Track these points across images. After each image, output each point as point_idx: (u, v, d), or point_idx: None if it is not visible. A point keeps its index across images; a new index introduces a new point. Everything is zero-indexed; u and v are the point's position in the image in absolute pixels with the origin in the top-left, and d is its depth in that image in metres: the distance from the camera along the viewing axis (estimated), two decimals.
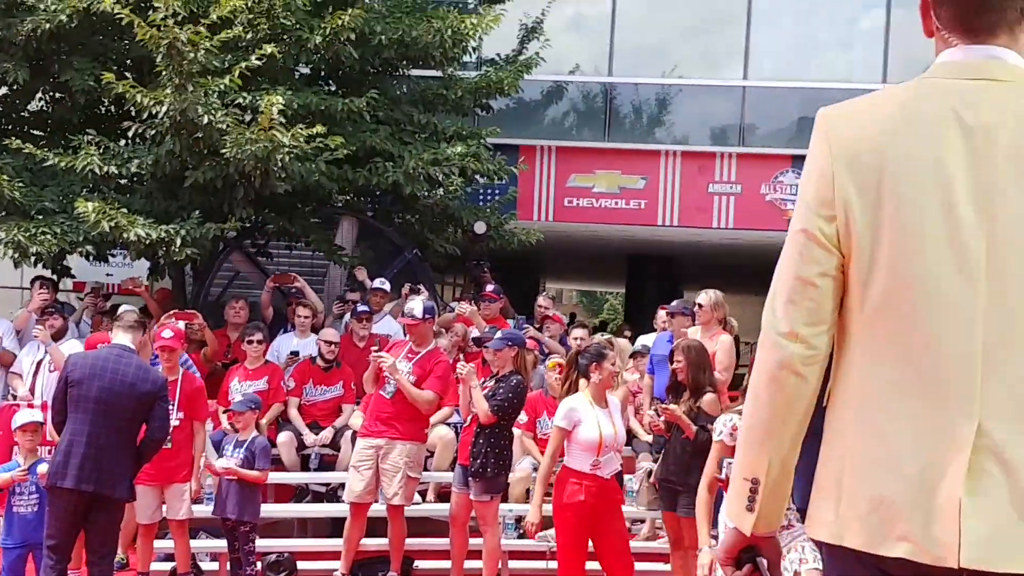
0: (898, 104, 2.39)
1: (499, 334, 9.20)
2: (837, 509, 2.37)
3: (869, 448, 2.35)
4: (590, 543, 7.65)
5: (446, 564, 9.30)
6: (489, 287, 12.16)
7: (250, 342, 10.25)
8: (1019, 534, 2.20)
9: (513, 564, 9.29)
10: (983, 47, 2.38)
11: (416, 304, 9.16)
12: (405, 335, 9.54)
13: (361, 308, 11.06)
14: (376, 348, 9.12)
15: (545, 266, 28.22)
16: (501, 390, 8.39)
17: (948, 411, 2.27)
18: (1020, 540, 2.20)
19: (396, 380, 8.73)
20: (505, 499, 9.50)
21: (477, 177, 13.83)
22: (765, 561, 2.52)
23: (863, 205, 2.33)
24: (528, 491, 9.65)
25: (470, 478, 8.46)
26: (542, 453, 9.57)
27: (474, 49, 14.50)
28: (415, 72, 14.37)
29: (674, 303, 10.94)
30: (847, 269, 2.38)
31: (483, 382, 8.60)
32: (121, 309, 9.99)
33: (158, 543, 8.61)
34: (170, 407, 8.04)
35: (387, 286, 11.88)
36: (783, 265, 2.44)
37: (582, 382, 7.79)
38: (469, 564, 8.85)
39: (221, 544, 8.67)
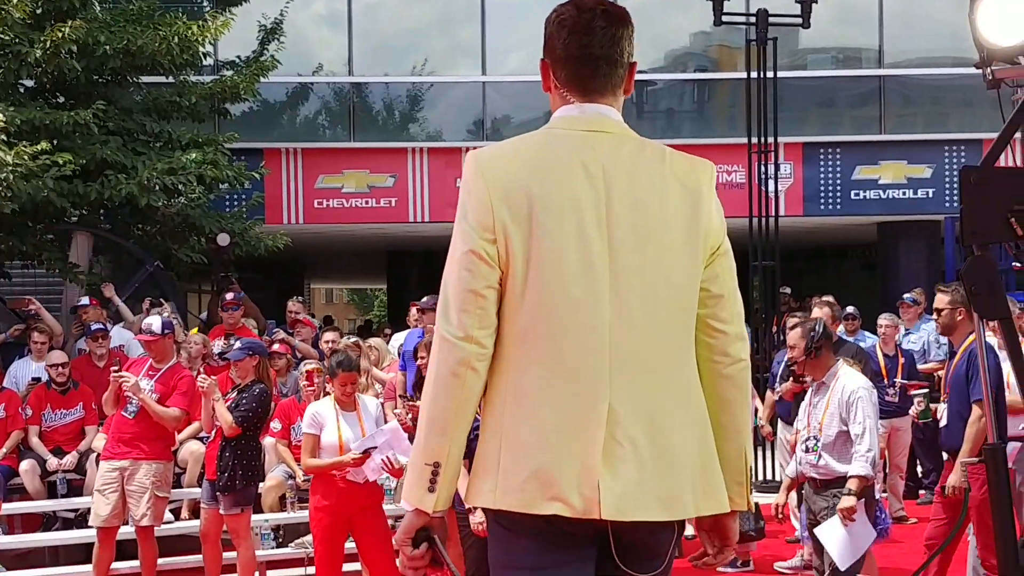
0: (536, 149, 2.87)
1: (238, 344, 9.12)
2: (496, 481, 2.77)
3: (523, 430, 2.77)
4: (350, 545, 7.69)
5: None
6: (229, 295, 12.01)
7: None
8: (643, 491, 2.74)
9: (272, 573, 9.22)
10: (594, 105, 2.91)
11: (154, 320, 8.98)
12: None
13: (96, 327, 10.76)
14: (116, 368, 8.90)
15: (306, 267, 28.05)
16: (244, 400, 8.32)
17: (585, 397, 2.75)
18: (643, 496, 2.74)
19: (140, 399, 8.55)
20: (259, 509, 9.44)
21: (218, 184, 13.61)
22: (436, 538, 2.86)
23: (517, 230, 2.77)
24: (282, 498, 9.61)
25: (218, 492, 8.35)
26: (297, 460, 9.57)
27: (206, 55, 14.28)
28: (146, 79, 14.04)
29: (424, 299, 11.07)
30: (505, 282, 2.80)
31: (227, 394, 8.51)
32: None
33: None
34: None
35: (84, 300, 11.54)
36: (453, 280, 2.81)
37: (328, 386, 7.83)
38: None
39: None
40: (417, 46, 18.72)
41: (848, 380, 6.55)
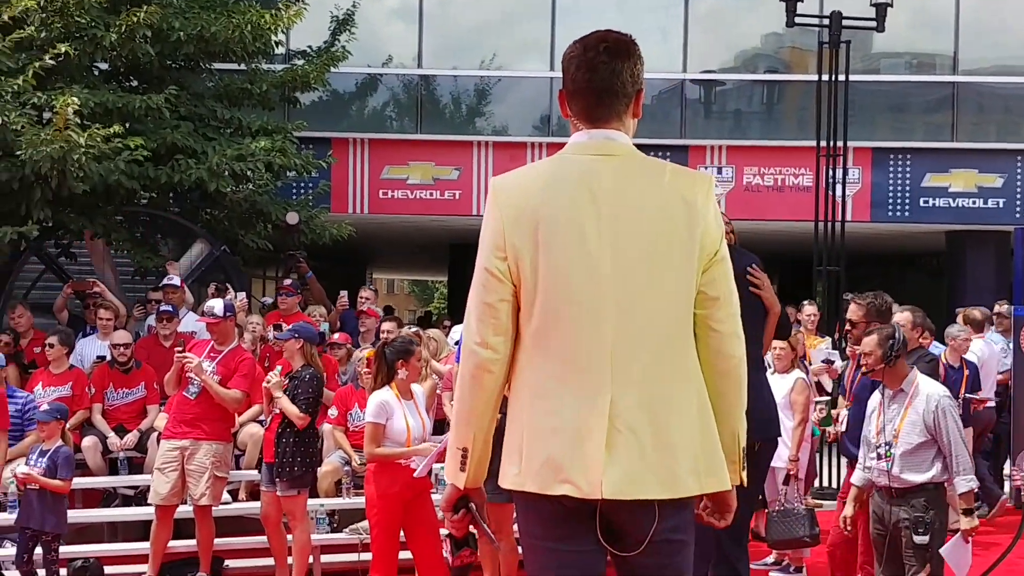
0: (546, 175, 3.28)
1: (287, 327, 9.21)
2: (519, 466, 3.22)
3: (539, 421, 3.20)
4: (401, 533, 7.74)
5: (257, 562, 9.29)
6: (286, 281, 12.14)
7: (46, 346, 10.04)
8: (641, 474, 3.13)
9: (325, 558, 9.31)
10: (601, 131, 3.30)
11: (216, 303, 9.11)
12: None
13: (164, 308, 10.91)
14: (180, 348, 9.03)
15: (369, 258, 28.21)
16: (300, 388, 8.40)
17: (591, 391, 3.16)
18: (642, 478, 3.13)
19: (202, 380, 8.66)
20: (315, 494, 9.53)
21: (286, 172, 13.74)
22: (474, 505, 3.39)
23: (526, 249, 3.19)
24: (337, 483, 9.69)
25: (276, 475, 8.45)
26: (353, 446, 9.65)
27: (278, 44, 14.42)
28: (218, 66, 14.21)
29: None
30: (519, 295, 3.23)
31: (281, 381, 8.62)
32: None
33: None
34: None
35: (175, 281, 11.71)
36: (473, 293, 3.27)
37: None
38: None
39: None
40: (486, 41, 18.79)
41: (930, 389, 6.49)
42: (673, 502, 3.19)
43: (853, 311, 7.12)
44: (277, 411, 8.44)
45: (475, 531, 3.69)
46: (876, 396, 6.73)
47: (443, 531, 5.17)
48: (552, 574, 3.27)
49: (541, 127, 18.30)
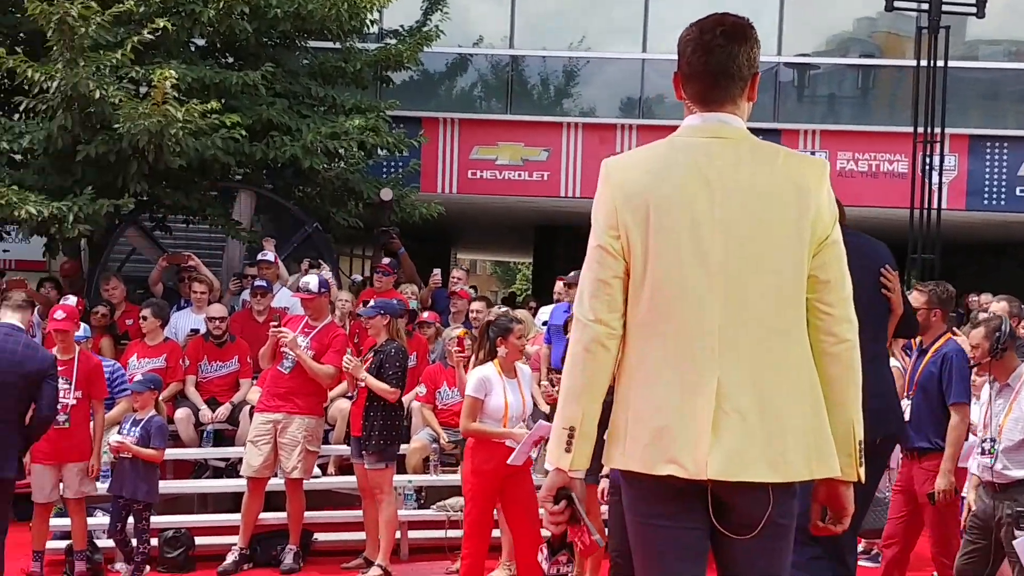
0: (659, 157, 3.27)
1: (371, 303, 9.25)
2: (624, 446, 3.21)
3: (645, 402, 3.19)
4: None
5: (346, 536, 9.38)
6: (385, 260, 12.20)
7: (140, 318, 10.20)
8: (749, 456, 3.10)
9: (413, 534, 9.37)
10: (714, 114, 3.28)
11: (311, 278, 9.18)
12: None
13: (258, 283, 11.02)
14: (275, 324, 9.12)
15: (455, 237, 28.28)
16: (387, 363, 8.44)
17: (699, 372, 3.14)
18: (750, 460, 3.10)
19: (296, 355, 8.74)
20: (402, 470, 9.59)
21: (377, 150, 13.79)
22: (575, 497, 3.28)
23: (637, 229, 3.18)
24: (425, 460, 9.73)
25: (363, 449, 8.52)
26: (441, 424, 9.69)
27: (372, 22, 14.46)
28: (313, 44, 14.30)
29: (571, 274, 11.08)
30: (630, 272, 3.22)
31: (365, 356, 8.68)
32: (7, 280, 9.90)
33: (53, 521, 8.55)
34: (66, 386, 8.01)
35: (270, 256, 11.81)
36: (587, 270, 3.27)
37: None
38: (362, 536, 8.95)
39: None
40: (577, 21, 18.67)
41: None
42: (781, 485, 3.16)
43: (915, 298, 6.99)
44: (363, 385, 8.50)
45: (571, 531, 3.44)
46: (986, 389, 6.62)
47: (543, 532, 5.11)
48: (658, 551, 3.25)
49: (631, 109, 18.18)
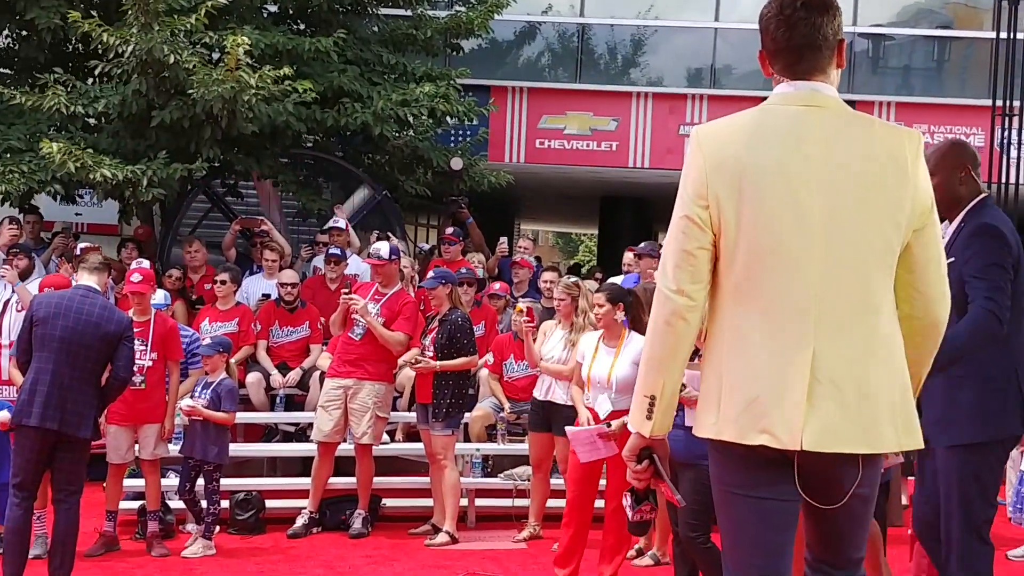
0: (753, 124, 3.24)
1: (431, 273, 9.27)
2: (717, 414, 3.19)
3: (739, 370, 3.17)
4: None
5: (414, 502, 9.43)
6: (449, 230, 12.20)
7: (216, 283, 10.27)
8: (840, 428, 3.09)
9: (480, 502, 9.39)
10: (805, 83, 3.25)
11: (382, 245, 9.20)
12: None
13: (333, 251, 11.05)
14: (347, 290, 9.15)
15: (519, 208, 28.21)
16: (459, 333, 8.49)
17: (794, 341, 3.12)
18: (841, 432, 3.09)
19: (367, 322, 8.77)
20: (466, 438, 9.61)
21: (447, 118, 13.75)
22: (657, 456, 3.38)
23: (729, 197, 3.15)
24: (489, 429, 9.74)
25: (432, 416, 8.54)
26: (507, 396, 9.69)
27: None
28: (384, 11, 14.29)
29: (642, 245, 11.00)
30: (718, 243, 3.19)
31: (429, 325, 8.73)
32: (83, 247, 10.04)
33: (126, 482, 8.66)
34: (142, 348, 8.11)
35: (341, 224, 11.82)
36: (671, 240, 3.23)
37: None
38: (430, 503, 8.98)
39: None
40: None
41: None
42: (871, 457, 3.19)
43: None
44: (431, 352, 8.53)
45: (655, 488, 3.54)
46: None
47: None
48: (748, 520, 3.24)
49: (701, 79, 18.00)
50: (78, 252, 10.64)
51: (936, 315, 3.32)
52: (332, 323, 9.14)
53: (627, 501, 3.76)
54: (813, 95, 3.22)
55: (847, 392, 3.10)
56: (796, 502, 3.23)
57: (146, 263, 9.27)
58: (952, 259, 4.35)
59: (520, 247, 12.85)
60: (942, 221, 3.98)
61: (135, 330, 7.47)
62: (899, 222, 3.18)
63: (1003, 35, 12.99)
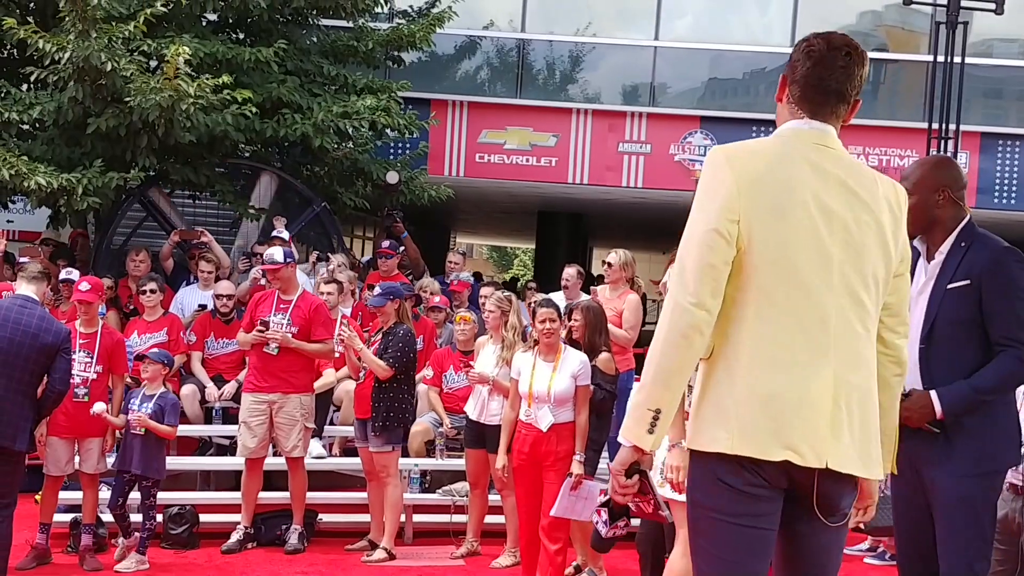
0: (776, 149, 3.34)
1: (376, 290, 9.19)
2: (730, 430, 3.20)
3: (759, 387, 3.20)
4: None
5: (351, 518, 9.34)
6: (385, 243, 12.14)
7: (143, 292, 10.13)
8: (851, 450, 3.22)
9: (418, 518, 9.34)
10: (818, 123, 3.38)
11: (275, 250, 9.05)
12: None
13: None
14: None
15: (455, 221, 28.23)
16: (391, 343, 8.42)
17: (817, 361, 3.22)
18: (852, 453, 3.23)
19: (295, 347, 8.67)
20: (406, 453, 9.56)
21: (387, 131, 13.72)
22: (647, 471, 3.44)
23: (757, 217, 3.22)
24: (428, 444, 9.69)
25: (370, 431, 8.49)
26: (447, 408, 9.65)
27: (385, 1, 14.39)
28: (326, 22, 14.23)
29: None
30: (741, 258, 3.23)
31: (373, 338, 8.64)
32: (23, 260, 9.86)
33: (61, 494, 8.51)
34: (87, 360, 8.07)
35: (284, 234, 11.68)
36: (695, 253, 3.24)
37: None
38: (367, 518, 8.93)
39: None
40: (588, 6, 18.57)
41: None
42: (861, 479, 3.37)
43: None
44: (362, 364, 8.51)
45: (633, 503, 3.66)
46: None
47: (601, 499, 5.05)
48: (730, 550, 3.29)
49: (640, 97, 18.10)
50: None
51: (904, 359, 3.54)
52: (242, 343, 9.08)
53: (602, 517, 3.78)
54: (824, 135, 3.36)
55: (854, 417, 3.25)
56: (774, 530, 3.31)
57: (75, 272, 9.12)
58: (967, 282, 4.42)
59: (451, 261, 12.81)
60: (911, 239, 4.04)
61: (81, 341, 7.36)
62: (889, 269, 3.37)
63: (940, 58, 13.20)
